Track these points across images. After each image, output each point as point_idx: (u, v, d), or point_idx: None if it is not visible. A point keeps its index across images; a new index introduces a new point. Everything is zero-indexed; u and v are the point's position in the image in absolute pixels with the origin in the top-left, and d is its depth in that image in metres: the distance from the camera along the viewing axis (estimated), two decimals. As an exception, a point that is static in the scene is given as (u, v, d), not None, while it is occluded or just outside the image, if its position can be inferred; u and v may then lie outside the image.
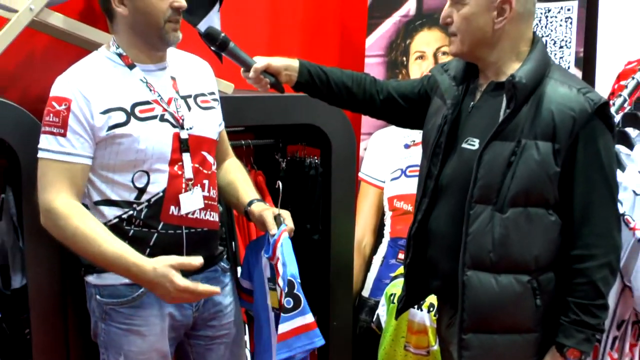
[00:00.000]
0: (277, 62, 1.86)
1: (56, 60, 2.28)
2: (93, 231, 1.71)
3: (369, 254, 2.91)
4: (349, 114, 2.40)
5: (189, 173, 1.82)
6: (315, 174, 2.53)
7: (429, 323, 2.44)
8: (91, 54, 1.86)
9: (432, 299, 2.34)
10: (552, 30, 2.90)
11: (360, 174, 2.94)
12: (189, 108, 1.86)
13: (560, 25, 2.88)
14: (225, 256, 2.02)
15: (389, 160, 2.90)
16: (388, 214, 2.86)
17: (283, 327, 1.79)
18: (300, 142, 2.61)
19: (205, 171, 1.86)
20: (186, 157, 1.82)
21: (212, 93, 1.96)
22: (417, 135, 2.56)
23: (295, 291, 1.79)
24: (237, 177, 2.02)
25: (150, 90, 1.81)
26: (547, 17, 2.89)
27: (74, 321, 2.13)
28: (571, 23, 2.87)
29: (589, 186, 1.69)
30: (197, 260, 1.70)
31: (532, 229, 1.70)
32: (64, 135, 1.72)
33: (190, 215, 1.83)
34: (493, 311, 1.73)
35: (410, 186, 2.62)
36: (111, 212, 1.78)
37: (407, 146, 2.87)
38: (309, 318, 1.81)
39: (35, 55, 2.43)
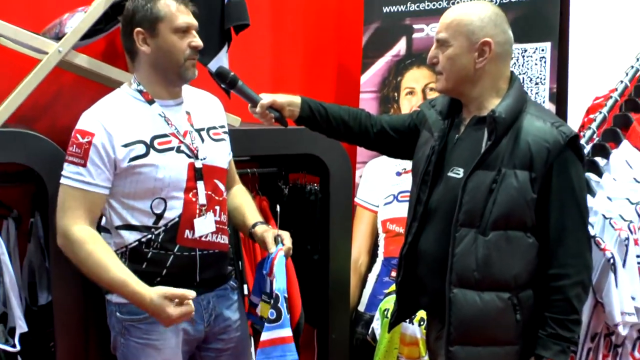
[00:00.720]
0: (281, 98, 1.88)
1: (80, 96, 2.33)
2: (103, 258, 1.72)
3: (364, 272, 2.89)
4: (345, 145, 2.42)
5: (202, 199, 1.83)
6: (315, 199, 2.53)
7: (419, 335, 2.43)
8: (114, 91, 1.88)
9: (422, 313, 2.33)
10: (528, 69, 2.93)
11: (356, 199, 2.94)
12: (203, 140, 1.87)
13: (536, 64, 2.92)
14: (234, 275, 2.03)
15: (382, 187, 2.90)
16: (382, 236, 2.86)
17: (264, 336, 1.79)
18: (301, 171, 2.62)
19: (217, 198, 1.87)
20: (200, 185, 1.82)
21: (223, 126, 1.97)
22: (407, 164, 2.56)
23: (279, 305, 1.78)
24: (243, 201, 2.03)
25: (168, 124, 1.82)
26: (523, 56, 2.93)
27: (95, 335, 2.13)
28: (545, 62, 2.91)
29: (562, 211, 1.71)
30: (190, 293, 1.69)
31: (512, 250, 1.72)
32: (84, 165, 1.73)
33: (203, 239, 1.83)
34: (477, 325, 1.74)
35: (402, 210, 2.62)
36: (131, 236, 1.79)
37: (398, 174, 2.88)
38: (287, 332, 1.79)
39: (62, 91, 2.45)
